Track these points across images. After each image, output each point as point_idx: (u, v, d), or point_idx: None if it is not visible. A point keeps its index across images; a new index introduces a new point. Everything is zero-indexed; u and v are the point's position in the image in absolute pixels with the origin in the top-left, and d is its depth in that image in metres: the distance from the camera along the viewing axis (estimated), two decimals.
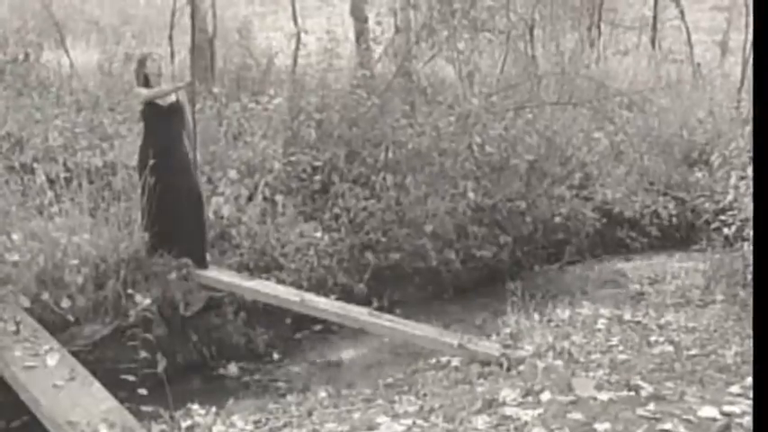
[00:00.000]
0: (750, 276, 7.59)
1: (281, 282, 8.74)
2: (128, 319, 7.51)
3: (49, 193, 8.69)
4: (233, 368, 8.01)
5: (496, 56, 14.45)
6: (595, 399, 4.47)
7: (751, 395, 4.48)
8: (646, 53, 19.52)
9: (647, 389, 4.64)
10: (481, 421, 4.34)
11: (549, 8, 16.79)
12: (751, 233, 7.60)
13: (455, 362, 6.41)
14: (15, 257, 7.49)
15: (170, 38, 14.27)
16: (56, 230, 7.92)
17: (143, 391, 5.97)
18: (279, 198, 9.72)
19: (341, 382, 7.32)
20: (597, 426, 4.12)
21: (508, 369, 5.81)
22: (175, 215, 8.17)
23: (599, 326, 6.76)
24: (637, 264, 11.22)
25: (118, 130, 10.77)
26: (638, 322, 6.86)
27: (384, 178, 10.42)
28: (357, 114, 11.24)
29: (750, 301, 7.11)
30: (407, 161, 10.75)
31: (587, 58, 16.28)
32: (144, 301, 7.35)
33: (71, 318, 7.31)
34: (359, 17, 13.18)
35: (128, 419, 5.40)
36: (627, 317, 7.04)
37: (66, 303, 7.29)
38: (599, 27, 19.56)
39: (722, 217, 8.52)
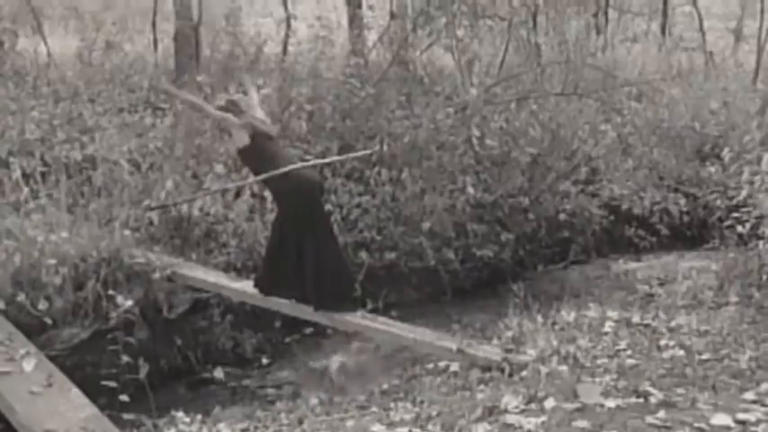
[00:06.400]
0: (765, 277, 7.61)
1: None
2: (108, 322, 7.50)
3: (26, 189, 8.69)
4: (219, 373, 8.00)
5: (498, 44, 14.43)
6: (602, 406, 4.47)
7: (766, 402, 4.49)
8: (655, 41, 19.56)
9: (656, 395, 4.64)
10: (482, 430, 4.34)
11: None
12: (766, 231, 7.62)
13: (454, 367, 6.42)
14: None
15: (153, 24, 14.25)
16: (32, 228, 7.91)
17: (125, 398, 5.99)
18: (267, 194, 9.71)
19: (333, 389, 7.34)
20: None
21: (510, 375, 5.82)
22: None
23: (606, 329, 6.77)
24: (646, 263, 11.24)
25: (98, 122, 10.75)
26: (648, 325, 6.87)
27: (379, 173, 10.42)
28: (350, 105, 11.25)
29: (765, 303, 7.13)
30: (403, 155, 10.74)
31: (594, 45, 16.29)
32: (125, 302, 7.36)
33: (49, 320, 7.30)
34: (352, 2, 13.18)
35: (108, 428, 5.40)
36: (635, 319, 7.04)
37: (43, 305, 7.28)
38: (606, 13, 19.58)
39: (736, 214, 8.54)
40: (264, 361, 8.40)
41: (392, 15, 13.67)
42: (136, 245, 8.42)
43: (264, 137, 7.51)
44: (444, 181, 10.64)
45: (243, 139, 7.43)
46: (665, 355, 5.92)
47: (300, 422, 5.54)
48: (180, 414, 6.01)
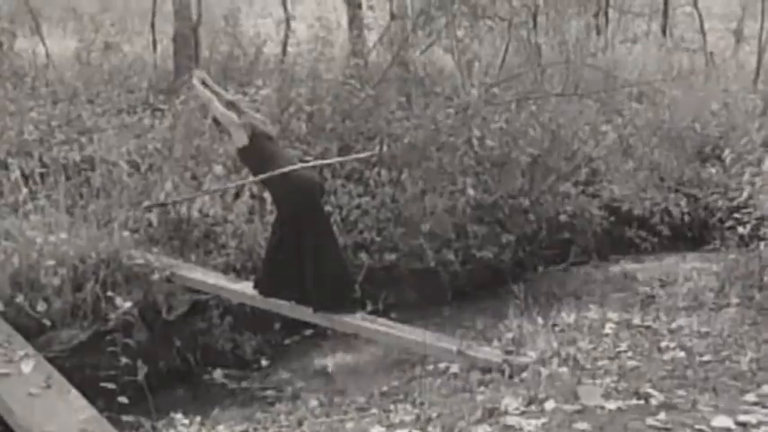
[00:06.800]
0: (766, 278, 7.61)
1: None
2: (107, 324, 7.50)
3: (24, 190, 8.70)
4: (219, 375, 8.01)
5: (498, 44, 14.45)
6: (603, 408, 4.46)
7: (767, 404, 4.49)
8: (656, 41, 19.55)
9: (657, 397, 4.64)
10: (482, 431, 4.34)
11: None
12: (767, 232, 7.62)
13: (454, 369, 6.41)
14: None
15: (152, 25, 14.26)
16: (31, 229, 7.91)
17: (123, 400, 5.97)
18: (267, 195, 9.71)
19: (333, 390, 7.31)
20: None
21: (510, 376, 5.82)
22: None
23: (606, 330, 6.76)
24: (646, 265, 11.23)
25: (97, 123, 10.75)
26: (648, 327, 6.86)
27: (379, 174, 10.42)
28: (350, 106, 11.24)
29: (766, 305, 7.13)
30: (403, 156, 10.74)
31: (594, 46, 16.30)
32: (124, 304, 7.35)
33: (47, 322, 7.30)
34: (352, 2, 13.17)
35: (107, 429, 5.39)
36: (636, 321, 7.04)
37: (41, 306, 7.28)
38: (606, 13, 19.58)
39: (737, 215, 8.55)
40: (264, 362, 8.38)
41: (392, 16, 13.67)
42: (135, 246, 8.42)
43: (264, 137, 7.51)
44: (444, 182, 10.63)
45: (242, 139, 7.42)
46: (666, 356, 5.91)
47: (300, 424, 5.54)
48: (179, 416, 6.00)
